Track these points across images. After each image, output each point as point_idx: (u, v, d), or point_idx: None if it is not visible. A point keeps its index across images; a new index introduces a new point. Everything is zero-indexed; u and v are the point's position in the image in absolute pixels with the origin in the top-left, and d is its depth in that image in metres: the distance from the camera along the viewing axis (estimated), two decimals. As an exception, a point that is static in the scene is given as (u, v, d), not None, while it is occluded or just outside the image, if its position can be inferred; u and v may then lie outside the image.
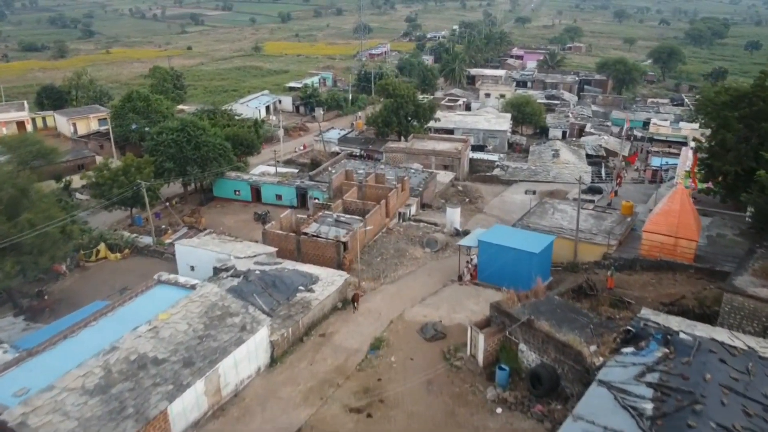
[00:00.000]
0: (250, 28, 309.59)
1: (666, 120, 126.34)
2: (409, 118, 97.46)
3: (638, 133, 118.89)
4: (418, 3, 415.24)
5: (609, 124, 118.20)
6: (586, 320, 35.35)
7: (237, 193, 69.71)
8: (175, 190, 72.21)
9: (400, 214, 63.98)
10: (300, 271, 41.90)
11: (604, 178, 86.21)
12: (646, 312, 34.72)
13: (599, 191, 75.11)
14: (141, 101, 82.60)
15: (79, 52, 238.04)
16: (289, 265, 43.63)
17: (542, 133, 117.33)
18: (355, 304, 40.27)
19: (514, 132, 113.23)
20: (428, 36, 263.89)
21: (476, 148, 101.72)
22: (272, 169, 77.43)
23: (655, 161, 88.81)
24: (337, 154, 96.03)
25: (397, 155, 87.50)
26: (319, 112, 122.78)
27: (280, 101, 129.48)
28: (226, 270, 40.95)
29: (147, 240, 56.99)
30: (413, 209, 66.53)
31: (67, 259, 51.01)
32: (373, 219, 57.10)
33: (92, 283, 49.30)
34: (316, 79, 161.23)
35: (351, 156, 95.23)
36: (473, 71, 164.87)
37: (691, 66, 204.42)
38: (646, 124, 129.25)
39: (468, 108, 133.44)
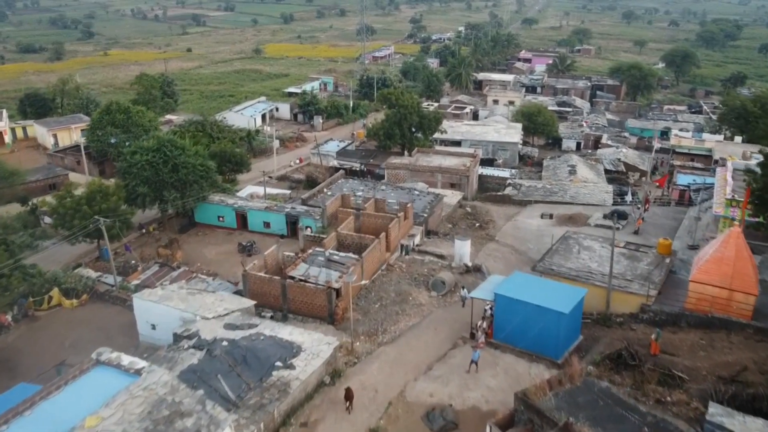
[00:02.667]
0: (252, 30, 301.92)
1: (687, 130, 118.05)
2: (413, 130, 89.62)
3: (657, 144, 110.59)
4: (422, 4, 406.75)
5: (626, 134, 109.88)
6: (638, 419, 27.35)
7: (221, 219, 61.95)
8: (152, 214, 64.41)
9: (402, 246, 56.05)
10: (278, 340, 34.01)
11: (627, 198, 78.04)
12: (716, 411, 26.76)
13: (624, 216, 66.96)
14: (120, 113, 74.88)
15: (77, 54, 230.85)
16: (266, 328, 35.70)
17: (555, 143, 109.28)
18: (349, 404, 31.81)
19: (524, 143, 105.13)
20: (433, 38, 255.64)
21: (485, 161, 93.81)
22: (262, 190, 69.58)
23: (682, 179, 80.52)
24: (336, 170, 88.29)
25: (399, 172, 79.59)
26: (317, 120, 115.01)
27: (277, 109, 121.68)
28: (189, 338, 33.16)
29: (113, 279, 49.24)
30: (417, 239, 58.59)
31: (13, 308, 43.36)
32: (372, 256, 49.23)
33: (40, 340, 41.58)
34: (316, 84, 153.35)
35: (350, 173, 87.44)
36: (480, 76, 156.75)
37: (705, 70, 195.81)
38: (664, 133, 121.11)
39: (475, 116, 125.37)
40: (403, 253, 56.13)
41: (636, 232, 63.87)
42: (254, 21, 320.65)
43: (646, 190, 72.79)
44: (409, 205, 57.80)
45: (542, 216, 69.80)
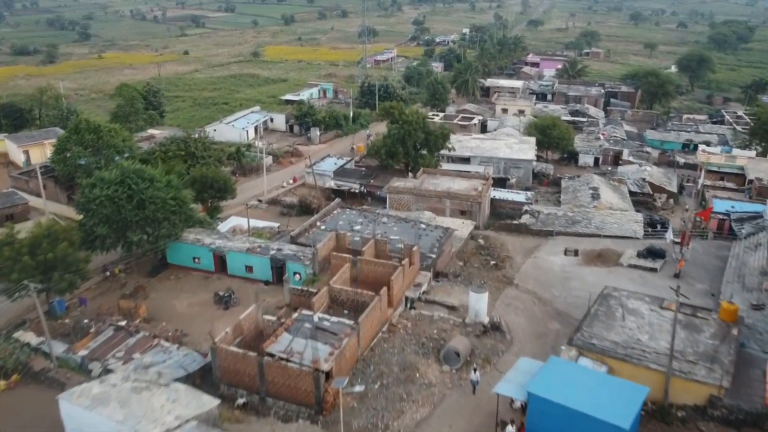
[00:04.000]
0: (252, 31, 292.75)
1: (711, 143, 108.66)
2: (418, 147, 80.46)
3: (680, 159, 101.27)
4: (426, 5, 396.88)
5: (648, 150, 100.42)
6: None
7: (196, 261, 52.89)
8: (120, 251, 55.33)
9: (407, 299, 46.94)
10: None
11: (668, 236, 68.56)
12: None
13: (661, 255, 57.74)
14: (89, 133, 65.73)
15: (71, 57, 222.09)
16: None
17: (570, 158, 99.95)
18: None
19: (538, 158, 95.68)
20: (437, 40, 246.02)
21: (497, 181, 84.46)
22: (247, 222, 60.44)
23: (719, 205, 71.05)
24: (333, 192, 79.20)
25: (403, 197, 70.41)
26: (314, 133, 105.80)
27: (271, 120, 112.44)
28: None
29: (60, 346, 40.24)
30: (424, 287, 49.46)
31: None
32: (370, 318, 40.16)
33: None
34: (315, 90, 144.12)
35: (349, 195, 78.37)
36: (488, 82, 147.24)
37: (719, 74, 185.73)
38: (685, 146, 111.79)
39: (484, 127, 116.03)
40: (408, 306, 47.05)
41: (677, 275, 54.72)
42: (255, 22, 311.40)
43: (685, 224, 63.28)
44: (414, 248, 48.58)
45: (566, 252, 60.59)
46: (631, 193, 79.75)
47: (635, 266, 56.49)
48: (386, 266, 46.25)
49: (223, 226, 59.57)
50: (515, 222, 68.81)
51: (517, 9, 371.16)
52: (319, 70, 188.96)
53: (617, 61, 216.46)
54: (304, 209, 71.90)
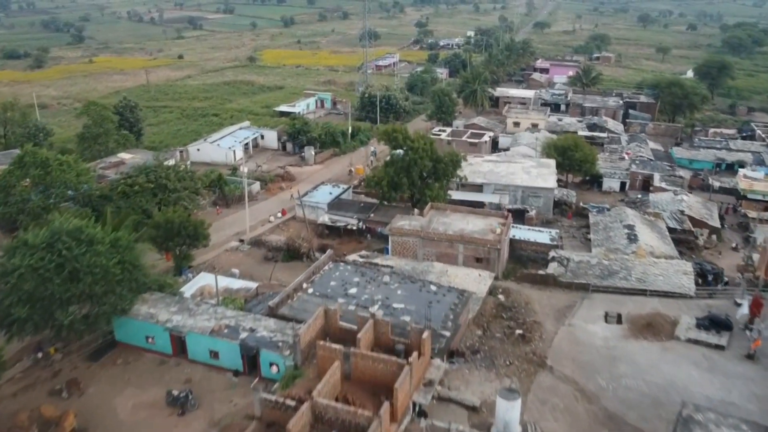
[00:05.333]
0: (251, 33, 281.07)
1: (745, 163, 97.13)
2: (425, 175, 68.94)
3: (715, 182, 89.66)
4: (429, 6, 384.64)
5: (681, 174, 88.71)
6: None
7: (150, 341, 41.58)
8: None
9: (414, 405, 35.58)
10: None
11: (710, 278, 57.21)
12: None
13: (727, 326, 46.26)
14: (36, 168, 54.38)
15: (60, 61, 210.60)
16: None
17: (593, 182, 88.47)
18: None
19: (557, 182, 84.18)
20: (441, 43, 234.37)
21: (514, 214, 72.97)
22: (222, 281, 49.03)
23: (780, 250, 59.51)
24: (326, 229, 67.81)
25: (408, 241, 58.98)
26: (309, 152, 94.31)
27: (262, 137, 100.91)
28: None
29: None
30: (436, 382, 38.03)
31: None
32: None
33: None
34: (312, 100, 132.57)
35: (345, 232, 66.96)
36: (497, 91, 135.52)
37: (738, 81, 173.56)
38: (717, 165, 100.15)
39: (495, 144, 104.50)
40: (415, 412, 35.69)
41: (750, 356, 43.31)
42: (253, 24, 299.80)
43: (742, 278, 51.74)
44: (425, 334, 37.12)
45: (607, 318, 49.18)
46: (669, 230, 68.29)
47: (696, 341, 45.04)
48: (388, 363, 34.90)
49: (190, 287, 48.17)
50: (541, 272, 57.29)
51: (521, 11, 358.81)
52: (317, 76, 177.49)
53: (629, 66, 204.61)
54: (292, 254, 60.48)
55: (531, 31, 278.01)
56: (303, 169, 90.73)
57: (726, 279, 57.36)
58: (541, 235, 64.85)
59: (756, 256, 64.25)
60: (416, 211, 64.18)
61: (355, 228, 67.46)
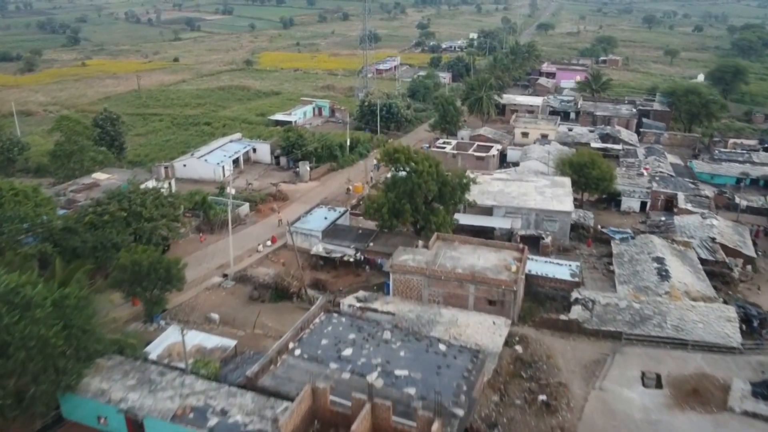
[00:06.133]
0: (249, 35, 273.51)
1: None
2: (430, 199, 61.62)
3: (742, 201, 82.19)
4: (430, 7, 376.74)
5: (707, 193, 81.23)
6: None
7: (102, 421, 34.31)
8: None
9: None
10: None
11: (755, 323, 49.90)
12: None
13: (790, 396, 38.99)
14: (-15, 201, 47.25)
15: (53, 64, 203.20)
16: None
17: (610, 200, 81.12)
18: None
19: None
20: (443, 46, 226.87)
21: (527, 240, 65.78)
22: (194, 339, 41.69)
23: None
24: (320, 260, 60.49)
25: (411, 280, 51.68)
26: (304, 168, 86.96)
27: (254, 150, 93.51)
28: None
29: None
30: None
31: None
32: None
33: None
34: (309, 108, 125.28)
35: (341, 263, 59.64)
36: (504, 98, 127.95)
37: (752, 86, 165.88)
38: (739, 180, 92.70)
39: (503, 157, 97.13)
40: None
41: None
42: (252, 26, 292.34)
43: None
44: (435, 427, 29.78)
45: (644, 380, 41.87)
46: (701, 261, 60.96)
47: (754, 414, 37.73)
48: (390, 469, 27.56)
49: (157, 346, 40.76)
50: (563, 318, 49.94)
51: (524, 11, 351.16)
52: (316, 81, 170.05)
53: (638, 69, 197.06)
54: (281, 293, 53.20)
55: (534, 33, 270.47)
56: (297, 187, 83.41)
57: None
58: (560, 269, 57.43)
59: (801, 293, 57.22)
60: (420, 243, 56.86)
61: (352, 260, 60.13)
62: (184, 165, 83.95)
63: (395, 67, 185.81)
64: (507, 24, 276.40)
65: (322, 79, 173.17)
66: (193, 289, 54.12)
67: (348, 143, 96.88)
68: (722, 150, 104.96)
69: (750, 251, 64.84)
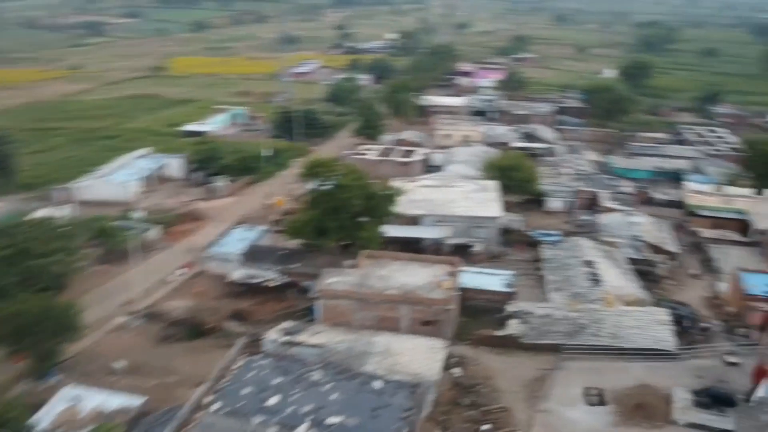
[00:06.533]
0: (159, 40, 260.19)
1: (684, 172, 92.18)
2: (357, 214, 58.04)
3: (658, 195, 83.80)
4: (347, 8, 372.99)
5: (628, 190, 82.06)
6: None
7: None
8: None
9: None
10: None
11: (684, 323, 49.50)
12: None
13: (729, 402, 38.18)
14: None
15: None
16: None
17: (536, 201, 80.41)
18: None
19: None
20: (363, 47, 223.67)
21: (457, 250, 63.77)
22: (93, 400, 36.27)
23: (752, 283, 52.34)
24: (241, 287, 55.73)
25: (340, 305, 48.01)
26: (220, 183, 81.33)
27: (165, 165, 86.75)
28: None
29: None
30: None
31: None
32: None
33: None
34: (224, 117, 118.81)
35: (264, 290, 55.13)
36: (425, 100, 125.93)
37: (657, 80, 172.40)
38: (655, 174, 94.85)
39: (427, 163, 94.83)
40: None
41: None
42: (162, 29, 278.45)
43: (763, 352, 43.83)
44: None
45: (588, 398, 40.09)
46: (629, 260, 60.73)
47: (698, 426, 36.61)
48: None
49: (49, 411, 35.08)
50: (499, 334, 47.76)
51: (440, 11, 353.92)
52: (232, 87, 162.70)
53: (552, 66, 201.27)
54: (196, 330, 48.20)
55: (451, 32, 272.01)
56: (213, 204, 77.77)
57: (704, 325, 49.82)
58: (493, 280, 55.33)
59: (722, 286, 57.80)
60: (348, 263, 53.23)
61: (278, 284, 55.75)
62: (87, 186, 76.52)
63: (315, 70, 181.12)
64: (424, 24, 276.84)
65: (238, 84, 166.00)
66: (95, 332, 48.13)
67: (266, 153, 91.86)
68: (636, 145, 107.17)
69: (673, 247, 65.36)
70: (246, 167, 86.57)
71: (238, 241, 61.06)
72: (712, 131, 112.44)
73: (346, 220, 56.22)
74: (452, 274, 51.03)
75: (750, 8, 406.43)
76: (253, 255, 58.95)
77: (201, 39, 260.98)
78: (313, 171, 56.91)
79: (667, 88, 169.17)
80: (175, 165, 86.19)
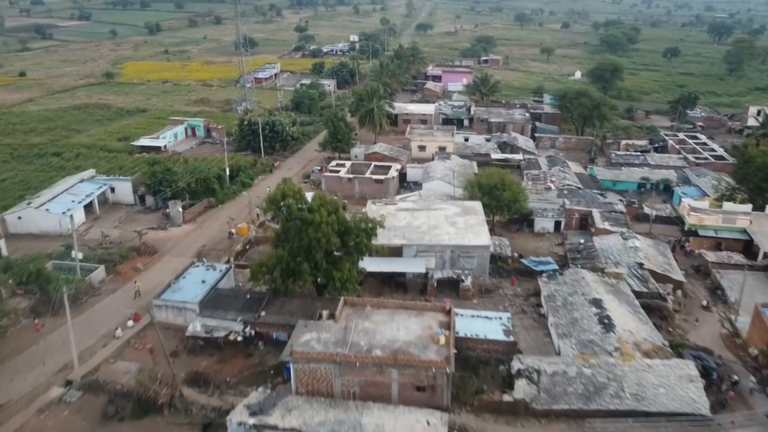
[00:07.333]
0: (110, 43, 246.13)
1: (673, 183, 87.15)
2: (334, 250, 50.06)
3: (649, 210, 78.18)
4: (307, 9, 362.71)
5: (620, 207, 76.06)
6: None
7: None
8: None
9: None
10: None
11: (714, 375, 43.29)
12: None
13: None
14: None
15: None
16: None
17: (522, 221, 73.82)
18: None
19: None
20: (324, 50, 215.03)
21: (445, 285, 56.63)
22: None
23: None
24: (200, 342, 47.26)
25: (319, 369, 40.00)
26: (175, 208, 72.10)
27: (112, 189, 77.04)
28: None
29: None
30: None
31: None
32: None
33: None
34: (180, 129, 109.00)
35: (226, 343, 46.76)
36: (395, 108, 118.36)
37: (626, 81, 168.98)
38: (641, 185, 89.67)
39: (402, 178, 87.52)
40: None
41: None
42: (113, 32, 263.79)
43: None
44: None
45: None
46: (636, 295, 54.42)
47: None
48: None
49: None
50: (506, 399, 40.49)
51: (401, 11, 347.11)
52: (188, 94, 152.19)
53: (518, 68, 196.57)
54: (145, 406, 39.55)
55: (414, 34, 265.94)
56: (168, 234, 68.69)
57: (735, 377, 43.59)
58: (491, 326, 48.08)
59: (740, 321, 51.98)
60: (325, 313, 45.20)
61: (240, 338, 47.41)
62: (19, 217, 66.65)
63: (275, 75, 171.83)
64: (386, 25, 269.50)
65: (196, 91, 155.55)
66: (21, 412, 39.09)
67: (228, 172, 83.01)
68: (618, 153, 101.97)
69: (678, 275, 59.38)
70: (205, 189, 77.58)
71: (196, 284, 52.36)
72: (694, 137, 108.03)
73: (319, 260, 48.24)
74: (447, 325, 43.60)
75: (704, 7, 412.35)
76: (214, 301, 50.42)
77: (155, 42, 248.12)
78: (278, 204, 48.70)
79: (636, 89, 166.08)
80: (123, 189, 76.48)
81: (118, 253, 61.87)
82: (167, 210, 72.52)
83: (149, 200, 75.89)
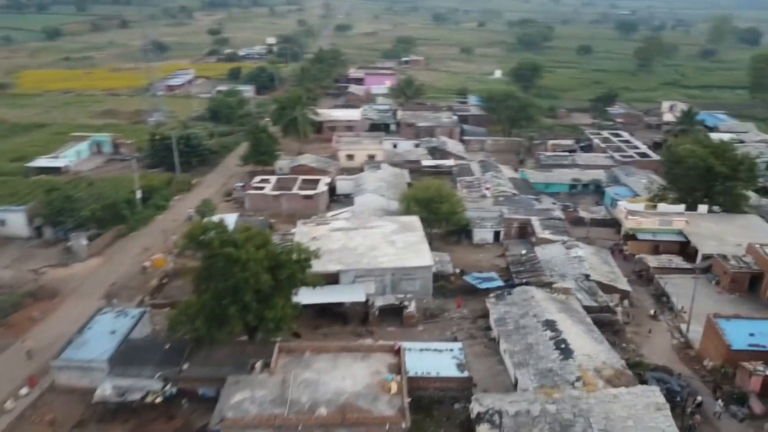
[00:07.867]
0: (4, 50, 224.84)
1: (603, 183, 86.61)
2: (265, 290, 43.91)
3: (584, 213, 77.03)
4: (220, 10, 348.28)
5: (558, 214, 73.87)
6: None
7: None
8: None
9: None
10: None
11: (678, 398, 40.85)
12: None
13: None
14: None
15: None
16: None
17: (461, 232, 70.34)
18: None
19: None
20: (240, 53, 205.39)
21: (388, 312, 51.99)
22: None
23: (730, 331, 45.10)
24: (112, 408, 40.12)
25: (255, 437, 34.23)
26: (79, 241, 63.40)
27: (2, 222, 67.06)
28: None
29: None
30: None
31: None
32: None
33: None
34: (84, 146, 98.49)
35: (144, 407, 39.97)
36: (320, 115, 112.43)
37: (543, 79, 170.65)
38: (572, 187, 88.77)
39: (332, 191, 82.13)
40: None
41: None
42: (7, 38, 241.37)
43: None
44: None
45: None
46: (588, 310, 51.81)
47: None
48: None
49: None
50: (471, 452, 36.30)
51: (318, 12, 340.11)
52: (94, 105, 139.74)
53: (439, 69, 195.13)
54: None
55: (333, 35, 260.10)
56: (71, 271, 60.11)
57: (698, 399, 41.42)
58: (442, 360, 43.78)
59: (691, 331, 50.41)
60: (258, 365, 39.31)
61: (159, 399, 40.69)
62: None
63: (189, 81, 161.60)
64: (304, 26, 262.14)
65: (102, 102, 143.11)
66: None
67: (139, 194, 74.71)
68: (546, 154, 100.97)
69: (624, 284, 57.57)
70: (113, 215, 69.06)
71: (104, 335, 44.96)
72: (616, 134, 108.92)
73: (249, 301, 42.22)
74: (397, 368, 38.90)
75: (609, 5, 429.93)
76: (127, 356, 43.25)
77: (55, 48, 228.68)
78: (198, 241, 42.28)
79: (555, 87, 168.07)
80: (15, 221, 66.69)
81: (9, 301, 53.06)
82: (70, 243, 63.69)
83: (48, 232, 66.61)
